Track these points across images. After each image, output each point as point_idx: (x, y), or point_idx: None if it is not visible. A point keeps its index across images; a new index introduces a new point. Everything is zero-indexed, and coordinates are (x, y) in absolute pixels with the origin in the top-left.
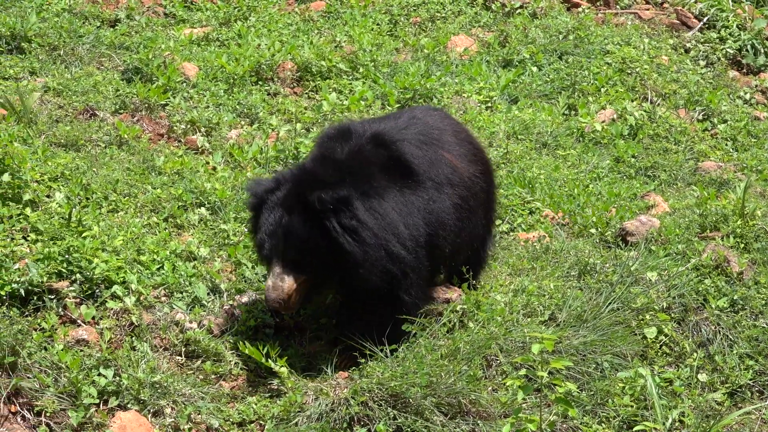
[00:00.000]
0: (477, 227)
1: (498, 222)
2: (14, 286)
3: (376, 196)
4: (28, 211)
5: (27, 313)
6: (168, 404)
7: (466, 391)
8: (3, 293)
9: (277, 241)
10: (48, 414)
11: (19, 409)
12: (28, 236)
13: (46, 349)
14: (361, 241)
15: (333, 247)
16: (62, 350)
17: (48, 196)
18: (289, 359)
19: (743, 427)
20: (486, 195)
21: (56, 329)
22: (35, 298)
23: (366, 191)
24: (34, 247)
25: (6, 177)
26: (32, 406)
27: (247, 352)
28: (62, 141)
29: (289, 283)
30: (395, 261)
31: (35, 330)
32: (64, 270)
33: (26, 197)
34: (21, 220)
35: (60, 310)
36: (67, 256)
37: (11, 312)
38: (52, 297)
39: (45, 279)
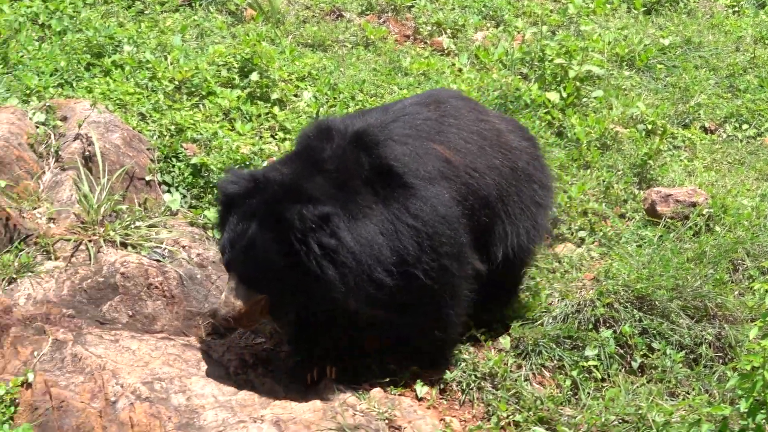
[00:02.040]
0: (491, 229)
1: (745, 126)
2: None
3: (362, 217)
4: (276, 110)
5: None
6: None
7: (713, 294)
8: None
9: (238, 253)
10: None
11: None
12: (276, 135)
13: None
14: (340, 264)
15: (304, 269)
16: None
17: (295, 96)
18: None
19: None
20: (509, 189)
21: None
22: None
23: (351, 210)
24: (282, 146)
25: (255, 76)
26: None
27: None
28: (309, 41)
29: (242, 301)
30: (380, 287)
31: None
32: None
33: (274, 96)
34: (269, 119)
35: None
36: None
37: None
38: None
39: None
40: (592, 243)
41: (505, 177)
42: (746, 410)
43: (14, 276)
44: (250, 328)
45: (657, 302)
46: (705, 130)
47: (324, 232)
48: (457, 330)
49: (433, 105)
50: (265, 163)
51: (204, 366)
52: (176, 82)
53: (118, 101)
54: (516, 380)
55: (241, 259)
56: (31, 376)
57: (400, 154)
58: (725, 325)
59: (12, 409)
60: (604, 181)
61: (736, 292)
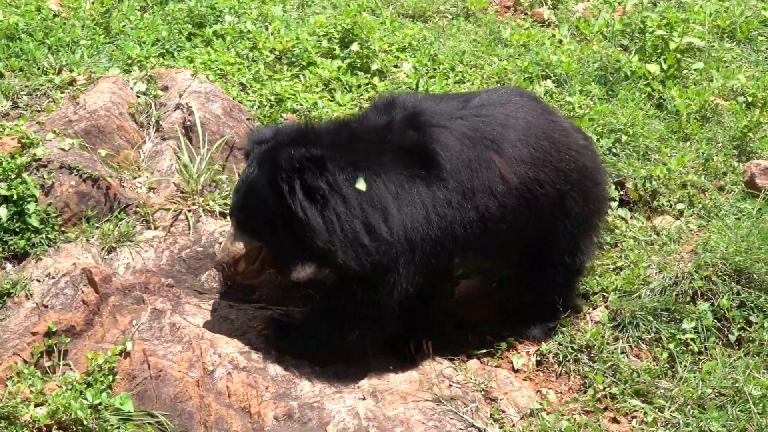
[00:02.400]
0: (524, 238)
1: None
2: None
3: (368, 171)
4: (375, 80)
5: None
6: None
7: None
8: None
9: (238, 198)
10: None
11: None
12: None
13: None
14: (330, 209)
15: (292, 214)
16: None
17: (395, 66)
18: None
19: None
20: (556, 205)
21: None
22: None
23: (357, 163)
24: None
25: (355, 47)
26: None
27: None
28: (410, 12)
29: (238, 247)
30: (379, 241)
31: None
32: None
33: (374, 67)
34: (369, 90)
35: None
36: None
37: None
38: None
39: None
40: (691, 215)
41: (571, 181)
42: None
43: (114, 245)
44: (251, 280)
45: (755, 275)
46: None
47: (313, 173)
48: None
49: (507, 107)
50: None
51: None
52: (277, 53)
53: (218, 71)
54: (613, 352)
55: (240, 203)
56: (129, 345)
57: (452, 148)
58: None
59: (110, 377)
60: (703, 154)
61: None
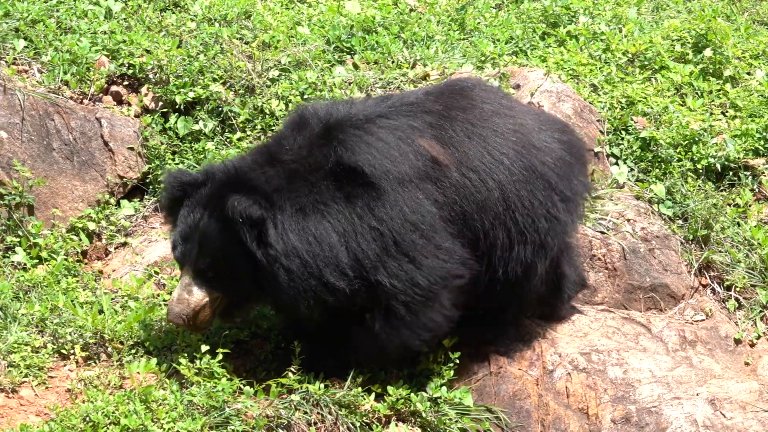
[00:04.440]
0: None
1: None
2: (711, 160)
3: (314, 213)
4: (728, 87)
5: (722, 187)
6: None
7: None
8: (699, 167)
9: (191, 246)
10: (737, 289)
11: (708, 281)
12: (727, 112)
13: (738, 224)
14: (285, 268)
15: (253, 262)
16: (754, 227)
17: (748, 74)
18: None
19: None
20: (519, 194)
21: (750, 206)
22: (731, 173)
23: (302, 204)
24: (732, 123)
25: (708, 52)
26: (722, 279)
27: None
28: (765, 19)
29: (197, 297)
30: (332, 292)
31: (729, 205)
32: (761, 147)
33: (727, 73)
34: (721, 96)
35: (755, 187)
36: (765, 134)
37: (706, 186)
38: (748, 173)
39: (741, 155)
40: None
41: (515, 180)
42: None
43: None
44: (203, 330)
45: None
46: None
47: (266, 231)
48: (414, 341)
49: (445, 95)
50: None
51: (642, 340)
52: (629, 55)
53: (570, 71)
54: None
55: (194, 251)
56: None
57: (370, 151)
58: None
59: (451, 372)
60: None
61: None
